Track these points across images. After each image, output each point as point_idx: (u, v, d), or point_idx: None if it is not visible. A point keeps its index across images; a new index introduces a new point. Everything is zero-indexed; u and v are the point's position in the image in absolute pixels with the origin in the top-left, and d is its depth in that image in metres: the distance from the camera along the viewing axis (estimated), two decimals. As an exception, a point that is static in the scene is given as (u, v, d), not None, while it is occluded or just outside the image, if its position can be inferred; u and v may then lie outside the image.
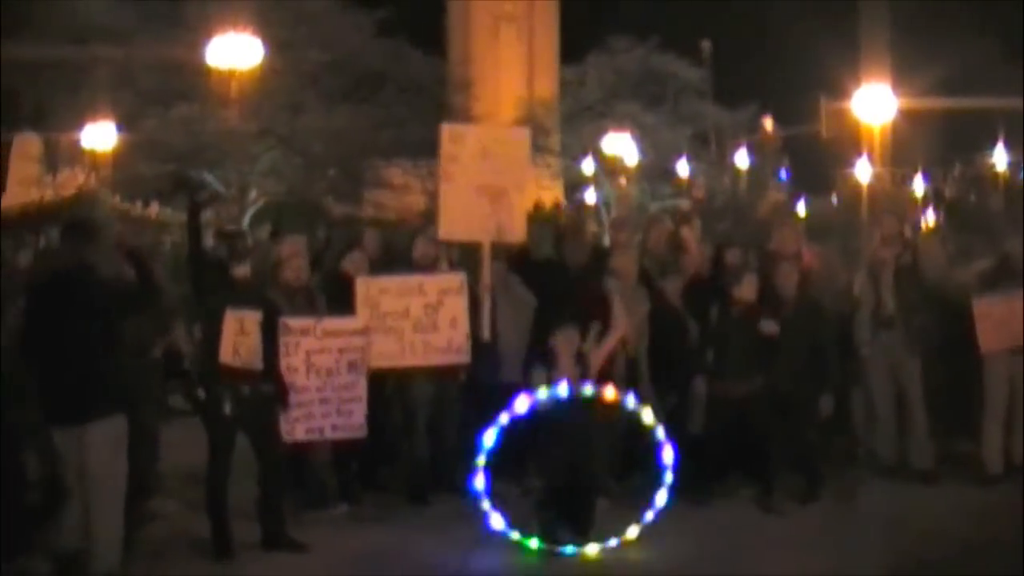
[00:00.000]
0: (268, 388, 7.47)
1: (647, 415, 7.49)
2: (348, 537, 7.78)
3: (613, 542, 7.32)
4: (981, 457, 8.95)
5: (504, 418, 7.34)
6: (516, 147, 9.22)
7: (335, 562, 7.28)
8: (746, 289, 8.53)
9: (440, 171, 9.08)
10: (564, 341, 7.70)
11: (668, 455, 7.47)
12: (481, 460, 7.33)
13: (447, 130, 9.23)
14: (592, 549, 7.28)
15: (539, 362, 7.80)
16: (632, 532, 7.38)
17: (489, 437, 7.33)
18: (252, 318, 7.30)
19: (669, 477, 7.46)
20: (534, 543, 7.33)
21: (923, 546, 7.40)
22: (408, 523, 8.12)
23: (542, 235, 9.54)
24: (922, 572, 7.01)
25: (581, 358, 7.76)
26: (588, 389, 7.42)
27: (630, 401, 7.52)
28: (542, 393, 7.38)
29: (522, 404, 7.35)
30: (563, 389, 7.39)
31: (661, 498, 7.45)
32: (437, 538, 7.68)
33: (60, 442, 6.51)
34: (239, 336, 7.20)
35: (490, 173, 8.89)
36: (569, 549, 7.27)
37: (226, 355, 7.20)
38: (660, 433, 7.49)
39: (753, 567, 7.14)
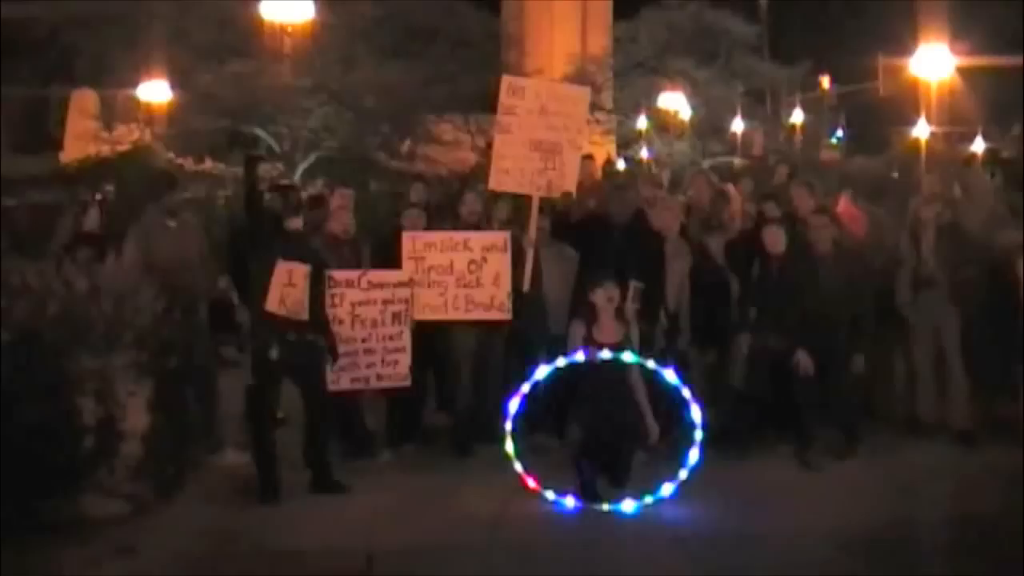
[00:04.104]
0: (313, 337, 7.67)
1: (669, 376, 7.49)
2: (391, 484, 7.98)
3: (648, 499, 7.36)
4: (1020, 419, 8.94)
5: (526, 387, 7.46)
6: (574, 104, 9.24)
7: (377, 507, 7.46)
8: (769, 242, 8.56)
9: (496, 122, 9.14)
10: (603, 296, 7.78)
11: (696, 414, 7.46)
12: (508, 425, 7.45)
13: (507, 82, 9.25)
14: (628, 505, 7.34)
15: (578, 317, 7.91)
16: (667, 489, 7.40)
17: (514, 404, 7.45)
18: (300, 270, 7.49)
19: (699, 435, 7.44)
20: (569, 502, 7.39)
21: (957, 506, 7.46)
22: (451, 471, 8.31)
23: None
24: (955, 532, 7.02)
25: (620, 313, 7.86)
26: (605, 354, 7.48)
27: (649, 365, 7.54)
28: (560, 361, 7.48)
29: (543, 371, 7.47)
30: (579, 356, 7.48)
31: (693, 456, 7.43)
32: (478, 486, 7.85)
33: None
34: (287, 287, 7.40)
35: (546, 128, 8.96)
36: (605, 507, 7.33)
37: (272, 304, 7.42)
38: (686, 392, 7.47)
39: (788, 522, 7.17)
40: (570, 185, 9.20)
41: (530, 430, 8.37)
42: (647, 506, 7.33)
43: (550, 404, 8.23)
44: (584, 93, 9.82)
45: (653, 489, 7.38)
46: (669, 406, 7.99)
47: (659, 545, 6.88)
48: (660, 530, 7.10)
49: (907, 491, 7.80)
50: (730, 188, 10.10)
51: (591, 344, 7.70)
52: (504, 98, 9.04)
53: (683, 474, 7.40)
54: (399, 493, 7.78)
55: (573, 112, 9.16)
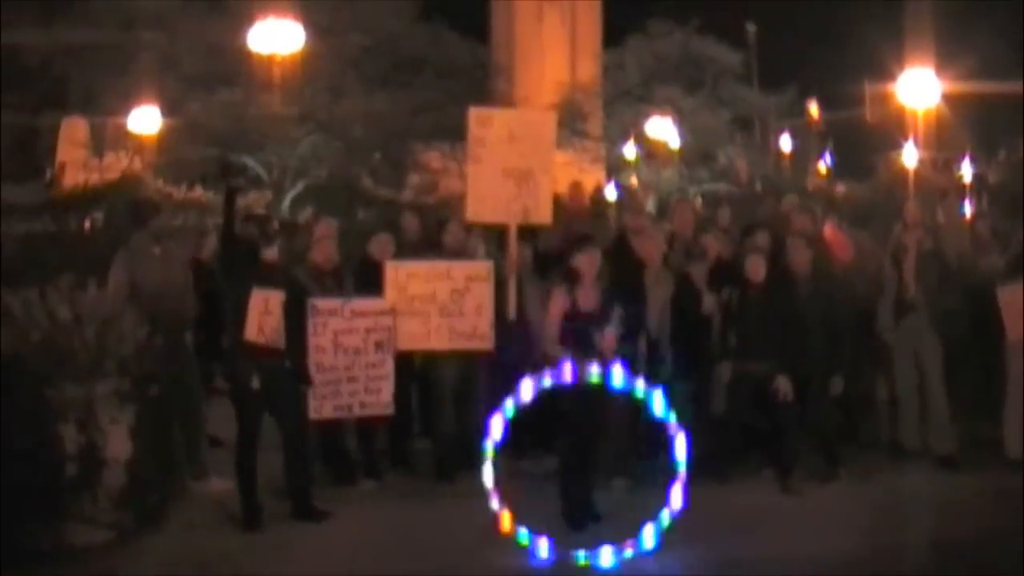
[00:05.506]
0: (288, 365, 7.70)
1: (658, 403, 7.00)
2: (373, 511, 8.01)
3: (628, 554, 6.89)
4: (1002, 442, 8.98)
5: (510, 407, 6.96)
6: (542, 130, 9.38)
7: (359, 535, 7.50)
8: (750, 270, 8.63)
9: (468, 154, 9.24)
10: (586, 260, 7.74)
11: (681, 446, 6.97)
12: (490, 451, 6.92)
13: (474, 113, 9.39)
14: (606, 558, 6.87)
15: (560, 285, 7.79)
16: (648, 537, 6.95)
17: (496, 427, 6.91)
18: (277, 298, 7.55)
19: (683, 470, 6.95)
20: (543, 546, 6.96)
21: (940, 529, 7.48)
22: (432, 499, 8.33)
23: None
24: (938, 555, 7.04)
25: (600, 278, 7.74)
26: (594, 371, 7.05)
27: (639, 387, 7.05)
28: (546, 381, 7.00)
29: (527, 390, 6.97)
30: (567, 373, 7.00)
31: (676, 498, 6.97)
32: (460, 514, 7.79)
33: None
34: (264, 315, 7.45)
35: (516, 156, 9.09)
36: (581, 557, 6.88)
37: (251, 333, 7.46)
38: (672, 420, 6.98)
39: (770, 547, 7.20)
40: (545, 211, 9.26)
41: (516, 455, 8.39)
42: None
43: (537, 429, 8.26)
44: (550, 117, 9.95)
45: (633, 531, 6.96)
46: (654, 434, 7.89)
47: (639, 571, 6.87)
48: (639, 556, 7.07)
49: (889, 516, 7.83)
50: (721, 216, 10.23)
51: (574, 314, 7.61)
52: (473, 129, 9.19)
53: (666, 518, 6.98)
54: (381, 520, 7.80)
55: (541, 137, 9.29)
